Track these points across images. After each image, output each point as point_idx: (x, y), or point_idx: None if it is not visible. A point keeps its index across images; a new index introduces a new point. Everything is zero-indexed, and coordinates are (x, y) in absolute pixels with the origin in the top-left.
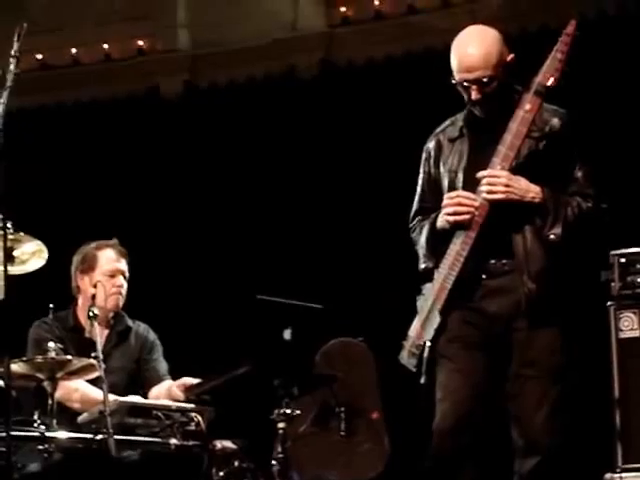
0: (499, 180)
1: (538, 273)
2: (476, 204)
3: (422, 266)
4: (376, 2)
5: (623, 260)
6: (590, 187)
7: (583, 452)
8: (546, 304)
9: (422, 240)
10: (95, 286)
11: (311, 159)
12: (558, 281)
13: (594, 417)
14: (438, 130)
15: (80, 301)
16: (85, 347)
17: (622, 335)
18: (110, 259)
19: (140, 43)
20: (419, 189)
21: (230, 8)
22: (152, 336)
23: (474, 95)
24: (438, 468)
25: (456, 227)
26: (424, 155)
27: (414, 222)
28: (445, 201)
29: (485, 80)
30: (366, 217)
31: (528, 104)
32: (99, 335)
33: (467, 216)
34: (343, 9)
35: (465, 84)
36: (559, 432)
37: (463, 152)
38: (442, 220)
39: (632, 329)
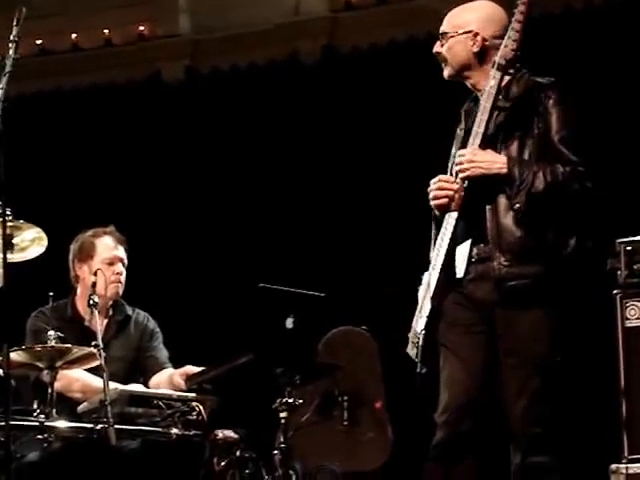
0: (464, 158)
1: (509, 246)
2: (455, 187)
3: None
4: None
5: (629, 248)
6: (570, 152)
7: (589, 443)
8: (521, 282)
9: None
10: (95, 274)
11: (314, 146)
12: (535, 257)
13: (600, 407)
14: None
15: (79, 290)
16: (84, 337)
17: (628, 324)
18: (108, 246)
19: (141, 28)
20: None
21: None
22: (152, 324)
23: (436, 48)
24: (441, 457)
25: (443, 212)
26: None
27: None
28: (429, 188)
29: (440, 33)
30: (369, 205)
31: (492, 79)
32: (99, 324)
33: (445, 200)
34: None
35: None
36: (540, 423)
37: (458, 138)
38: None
39: (638, 318)
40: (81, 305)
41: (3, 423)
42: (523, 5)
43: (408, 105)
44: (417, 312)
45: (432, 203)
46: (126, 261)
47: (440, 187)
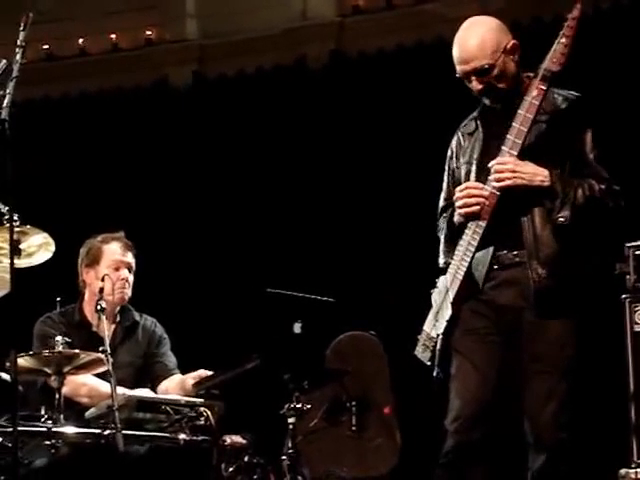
0: (506, 167)
1: (548, 258)
2: (485, 193)
3: (441, 262)
4: None
5: (638, 252)
6: (603, 169)
7: (598, 447)
8: (556, 292)
9: (442, 236)
10: (103, 279)
11: (322, 150)
12: (570, 269)
13: (609, 412)
14: (461, 126)
15: (86, 295)
16: (92, 342)
17: (637, 328)
18: (115, 252)
19: (148, 33)
20: (444, 186)
21: None
22: (159, 330)
23: (475, 85)
24: (451, 464)
25: (469, 219)
26: (448, 153)
27: (440, 220)
28: (456, 194)
29: (483, 69)
30: (377, 209)
31: (535, 90)
32: (106, 329)
33: (477, 207)
34: None
35: (462, 76)
36: (567, 428)
37: (477, 144)
38: (456, 214)
39: None
40: (88, 310)
41: (11, 429)
42: (573, 20)
43: (415, 109)
44: (432, 315)
45: (461, 211)
46: (134, 267)
47: (469, 194)
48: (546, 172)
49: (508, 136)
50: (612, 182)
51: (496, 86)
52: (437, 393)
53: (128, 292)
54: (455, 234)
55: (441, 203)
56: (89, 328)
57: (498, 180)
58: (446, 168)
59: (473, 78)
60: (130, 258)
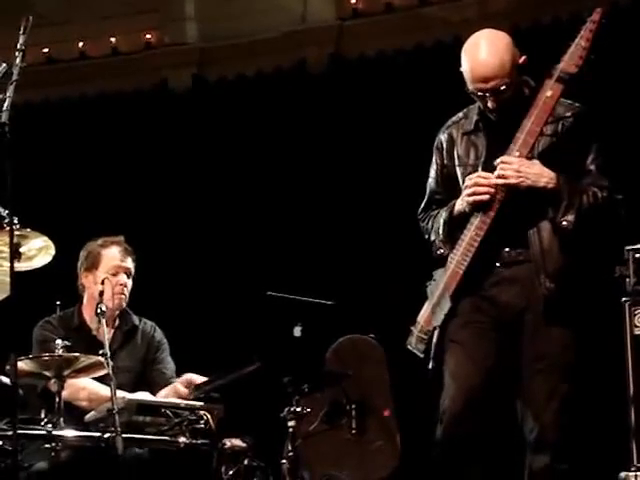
0: (510, 166)
1: (556, 272)
2: (494, 182)
3: (438, 252)
4: None
5: (638, 255)
6: (605, 179)
7: (598, 450)
8: (564, 302)
9: (438, 226)
10: (103, 282)
11: (321, 154)
12: (575, 278)
13: (609, 415)
14: (450, 122)
15: (85, 299)
16: (91, 346)
17: (637, 331)
18: (114, 257)
19: (148, 36)
20: (432, 180)
21: (239, 1)
22: (158, 335)
23: (491, 104)
24: (446, 455)
25: (474, 210)
26: (437, 146)
27: (427, 212)
28: (466, 182)
29: (502, 88)
30: (376, 211)
31: (550, 90)
32: (106, 333)
33: (486, 196)
34: (353, 1)
35: (478, 93)
36: (568, 429)
37: (479, 146)
38: (461, 203)
39: None
40: (87, 314)
41: (11, 432)
42: (593, 24)
43: (415, 113)
44: (428, 306)
45: (469, 199)
46: (133, 272)
47: (479, 183)
48: (553, 174)
49: (518, 134)
50: (615, 191)
51: (508, 102)
52: (432, 386)
53: (126, 297)
54: (455, 225)
55: (427, 196)
56: (88, 332)
57: (501, 177)
58: (434, 161)
59: (489, 95)
60: (129, 263)
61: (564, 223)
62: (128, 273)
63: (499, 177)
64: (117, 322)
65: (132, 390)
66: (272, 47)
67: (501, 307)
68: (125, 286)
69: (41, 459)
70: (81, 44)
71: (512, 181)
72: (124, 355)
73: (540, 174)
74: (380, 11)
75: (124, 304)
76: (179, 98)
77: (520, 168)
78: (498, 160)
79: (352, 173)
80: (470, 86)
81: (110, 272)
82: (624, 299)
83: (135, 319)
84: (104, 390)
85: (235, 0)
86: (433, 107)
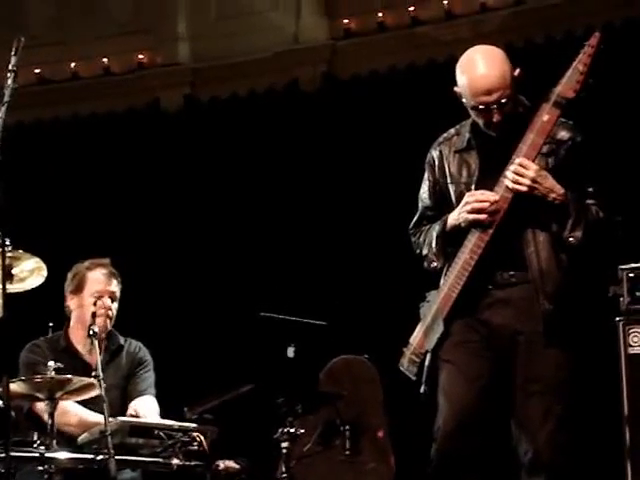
0: (527, 172)
1: (555, 293)
2: (492, 199)
3: (431, 265)
4: (379, 14)
5: (632, 275)
6: (602, 200)
7: (593, 470)
8: (562, 322)
9: (430, 240)
10: (95, 304)
11: (314, 174)
12: (572, 299)
13: (603, 434)
14: (442, 139)
15: (72, 321)
16: (78, 367)
17: (631, 351)
18: (99, 280)
19: (140, 57)
20: (424, 196)
21: (231, 21)
22: (142, 353)
23: (496, 118)
24: (440, 475)
25: (470, 227)
26: (429, 162)
27: (418, 227)
28: (465, 199)
29: (504, 100)
30: (369, 231)
31: (546, 115)
32: (94, 354)
33: (484, 216)
34: (346, 21)
35: (481, 107)
36: (564, 449)
37: (472, 164)
38: (456, 218)
39: None
40: (74, 336)
41: (4, 455)
42: (591, 48)
43: (408, 132)
44: (420, 328)
45: (470, 217)
46: (118, 295)
47: (479, 199)
48: (562, 190)
49: (514, 157)
50: (613, 212)
51: (509, 116)
52: (424, 409)
53: (111, 320)
54: (447, 240)
55: (419, 212)
56: (75, 353)
57: (515, 182)
58: (426, 178)
59: (494, 108)
60: (114, 287)
61: (571, 239)
62: (113, 297)
63: (513, 181)
64: (105, 342)
65: (120, 407)
66: (265, 67)
67: (494, 329)
68: (109, 309)
69: None
70: (73, 64)
71: (524, 189)
72: (110, 372)
73: (551, 189)
74: (373, 31)
75: (109, 326)
76: (172, 118)
77: (537, 179)
78: (517, 160)
79: (345, 193)
80: (472, 101)
81: (95, 296)
82: (618, 318)
83: (121, 339)
84: (93, 416)
85: (227, 20)
86: (426, 126)
